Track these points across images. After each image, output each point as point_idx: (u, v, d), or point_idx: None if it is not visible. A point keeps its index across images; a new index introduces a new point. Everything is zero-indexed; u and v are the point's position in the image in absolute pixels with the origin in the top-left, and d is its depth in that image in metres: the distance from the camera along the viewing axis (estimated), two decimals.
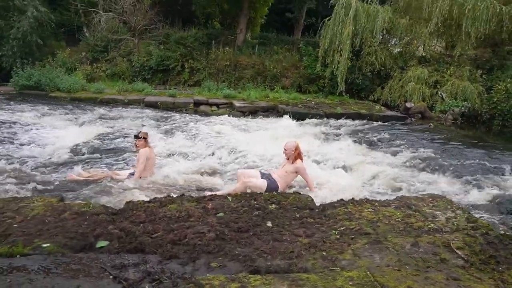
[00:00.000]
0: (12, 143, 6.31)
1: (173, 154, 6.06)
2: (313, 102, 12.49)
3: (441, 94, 12.43)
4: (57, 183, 4.82)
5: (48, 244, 2.57)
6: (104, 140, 6.71)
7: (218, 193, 4.51)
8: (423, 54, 15.40)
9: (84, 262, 2.40)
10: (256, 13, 20.21)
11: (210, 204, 3.33)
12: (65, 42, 19.00)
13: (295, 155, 4.73)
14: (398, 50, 15.89)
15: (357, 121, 9.82)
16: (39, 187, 4.58)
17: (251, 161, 5.76)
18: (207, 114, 10.56)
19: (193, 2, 19.30)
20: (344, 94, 14.67)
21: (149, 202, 3.47)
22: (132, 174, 4.96)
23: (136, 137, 5.10)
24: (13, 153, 5.83)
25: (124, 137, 6.98)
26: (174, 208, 3.26)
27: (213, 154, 6.22)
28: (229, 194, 3.57)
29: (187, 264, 2.44)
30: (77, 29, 19.69)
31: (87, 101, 11.21)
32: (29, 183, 4.60)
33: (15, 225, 2.85)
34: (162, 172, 5.22)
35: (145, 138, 5.09)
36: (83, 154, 5.92)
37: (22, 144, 6.26)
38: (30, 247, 2.53)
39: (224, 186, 5.06)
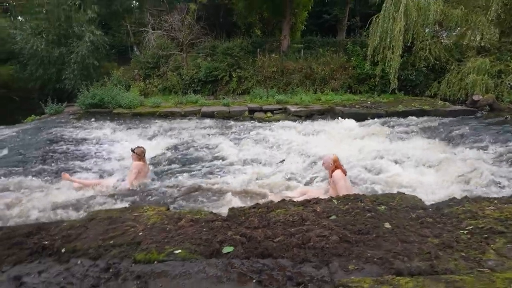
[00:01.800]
0: (97, 157, 6.70)
1: (247, 161, 6.11)
2: (369, 102, 12.16)
3: (509, 83, 11.62)
4: (146, 193, 5.02)
5: (179, 251, 2.64)
6: (177, 151, 6.93)
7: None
8: (482, 44, 14.54)
9: (221, 267, 2.43)
10: (296, 19, 20.25)
11: (318, 208, 3.28)
12: (117, 62, 20.09)
13: (333, 168, 4.60)
14: (453, 41, 15.15)
15: (422, 118, 9.40)
16: (132, 197, 4.78)
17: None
18: (264, 120, 10.61)
19: (234, 13, 19.71)
20: (396, 91, 14.24)
21: (254, 207, 3.49)
22: (122, 180, 5.43)
23: (132, 151, 5.58)
24: (101, 167, 6.18)
25: (195, 147, 7.17)
26: (282, 213, 3.26)
27: (284, 160, 6.19)
28: (332, 197, 3.51)
29: (321, 268, 2.39)
30: (127, 48, 20.79)
31: (147, 116, 11.68)
32: (122, 194, 4.82)
33: (140, 233, 2.96)
34: (242, 179, 5.27)
35: (139, 154, 5.52)
36: (163, 166, 6.14)
37: (106, 159, 6.62)
38: (163, 253, 2.61)
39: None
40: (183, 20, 16.53)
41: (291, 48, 17.34)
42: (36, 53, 15.99)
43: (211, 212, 3.43)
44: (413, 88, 14.77)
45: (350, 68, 15.49)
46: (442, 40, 15.14)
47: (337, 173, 4.53)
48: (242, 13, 19.97)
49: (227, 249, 2.68)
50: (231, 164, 6.05)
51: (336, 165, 4.60)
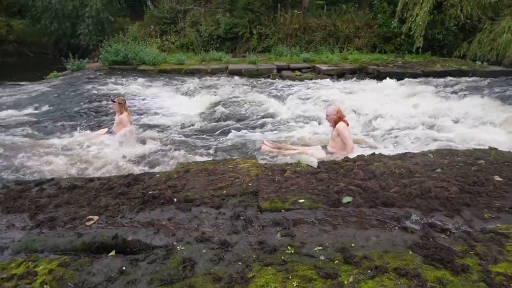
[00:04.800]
0: (141, 113, 6.64)
1: (299, 118, 6.06)
2: (399, 62, 11.91)
3: None
4: (207, 146, 5.02)
5: (303, 200, 2.65)
6: (224, 107, 6.81)
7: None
8: None
9: (354, 215, 2.46)
10: None
11: (418, 161, 3.29)
12: (129, 18, 19.38)
13: (336, 118, 4.63)
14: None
15: (462, 78, 9.24)
16: (197, 151, 4.78)
17: (389, 125, 5.57)
18: (295, 79, 10.41)
19: None
20: (421, 51, 13.83)
21: (347, 161, 3.50)
22: (110, 133, 5.39)
23: (112, 100, 5.53)
24: (149, 122, 6.13)
25: (240, 104, 7.06)
26: (382, 166, 3.26)
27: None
28: (425, 151, 3.51)
29: (454, 216, 2.41)
30: (138, 2, 19.95)
31: (173, 72, 11.45)
32: (186, 148, 4.82)
33: (249, 184, 2.96)
34: (298, 134, 5.26)
35: (120, 103, 5.40)
36: (219, 121, 6.09)
37: (152, 114, 6.56)
38: (288, 202, 2.63)
39: None
40: None
41: (313, 4, 16.68)
42: (49, 6, 15.37)
43: (308, 165, 3.43)
44: (440, 48, 14.40)
45: (375, 26, 14.99)
46: None
47: (342, 124, 4.61)
48: None
49: (346, 199, 2.70)
50: (285, 121, 6.01)
51: (339, 115, 4.65)
